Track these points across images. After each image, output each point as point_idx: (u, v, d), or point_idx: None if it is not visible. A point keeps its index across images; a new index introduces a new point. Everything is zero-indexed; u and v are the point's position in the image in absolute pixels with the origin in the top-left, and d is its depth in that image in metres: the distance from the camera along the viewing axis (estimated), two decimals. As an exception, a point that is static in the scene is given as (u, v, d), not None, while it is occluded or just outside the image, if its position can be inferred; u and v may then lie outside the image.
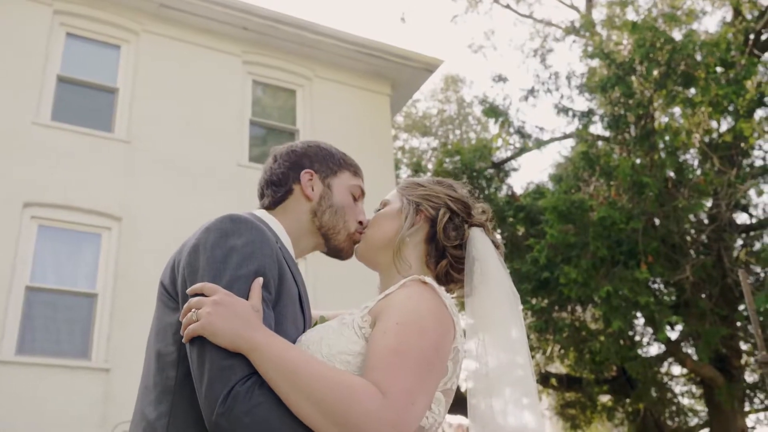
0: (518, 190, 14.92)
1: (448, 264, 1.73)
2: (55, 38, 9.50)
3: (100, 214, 8.81)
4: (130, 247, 8.69)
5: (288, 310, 1.56)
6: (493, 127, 14.47)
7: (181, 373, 1.45)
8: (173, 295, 1.53)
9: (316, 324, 1.69)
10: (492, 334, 1.69)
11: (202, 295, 1.42)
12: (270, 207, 1.79)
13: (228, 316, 1.38)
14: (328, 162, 1.83)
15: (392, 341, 1.44)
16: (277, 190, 1.79)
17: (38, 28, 9.32)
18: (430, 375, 1.46)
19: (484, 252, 1.73)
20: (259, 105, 10.88)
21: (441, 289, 1.58)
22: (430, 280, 1.57)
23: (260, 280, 1.48)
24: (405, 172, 16.85)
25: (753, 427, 15.55)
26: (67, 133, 8.99)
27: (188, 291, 1.45)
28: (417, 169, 16.08)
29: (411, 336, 1.45)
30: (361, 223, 1.83)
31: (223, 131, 9.99)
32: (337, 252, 1.81)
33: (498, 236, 1.86)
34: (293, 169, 1.80)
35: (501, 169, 14.68)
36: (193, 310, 1.40)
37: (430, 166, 16.78)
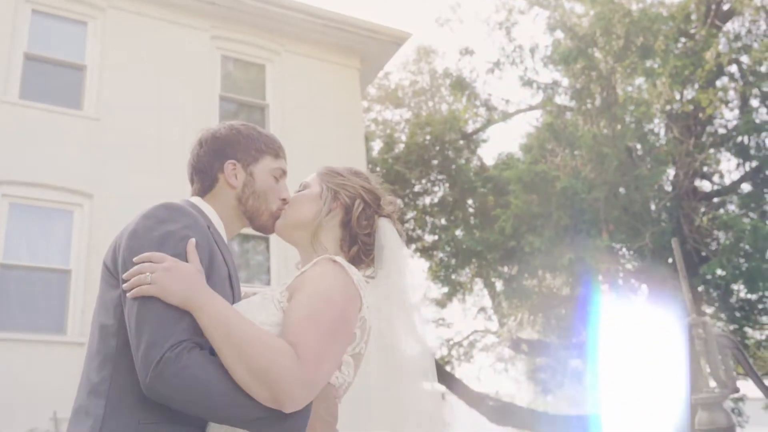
0: (491, 161, 15.18)
1: (359, 249, 1.96)
2: (21, 15, 9.50)
3: (71, 191, 8.93)
4: (102, 224, 8.82)
5: (217, 289, 1.77)
6: (464, 100, 14.66)
7: (121, 342, 1.66)
8: (114, 274, 1.74)
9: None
10: (395, 315, 1.92)
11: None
12: (200, 194, 2.00)
13: (178, 278, 1.61)
14: (249, 149, 2.01)
15: (305, 311, 1.67)
16: (204, 178, 1.99)
17: (3, 5, 9.32)
18: (338, 340, 1.69)
19: (391, 241, 1.97)
20: (228, 80, 10.96)
21: (351, 267, 1.81)
22: (340, 259, 1.80)
23: (193, 241, 1.72)
24: (378, 144, 17.02)
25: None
26: (35, 111, 9.05)
27: (136, 259, 1.65)
28: (389, 141, 16.27)
29: (321, 306, 1.68)
30: (284, 200, 2.02)
31: (193, 107, 10.08)
32: (262, 229, 2.02)
33: (401, 227, 2.08)
34: (217, 158, 1.98)
35: (471, 140, 14.90)
36: (147, 273, 1.62)
37: (403, 137, 16.96)
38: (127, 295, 1.63)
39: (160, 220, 1.73)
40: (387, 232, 1.98)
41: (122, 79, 9.72)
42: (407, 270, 1.98)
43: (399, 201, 2.08)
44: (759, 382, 4.08)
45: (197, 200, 1.97)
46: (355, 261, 1.96)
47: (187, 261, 1.68)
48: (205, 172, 1.99)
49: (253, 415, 1.57)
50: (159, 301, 1.60)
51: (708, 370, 3.92)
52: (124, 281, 1.65)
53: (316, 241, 1.94)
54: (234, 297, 1.86)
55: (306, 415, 1.62)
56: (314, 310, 1.67)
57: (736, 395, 15.19)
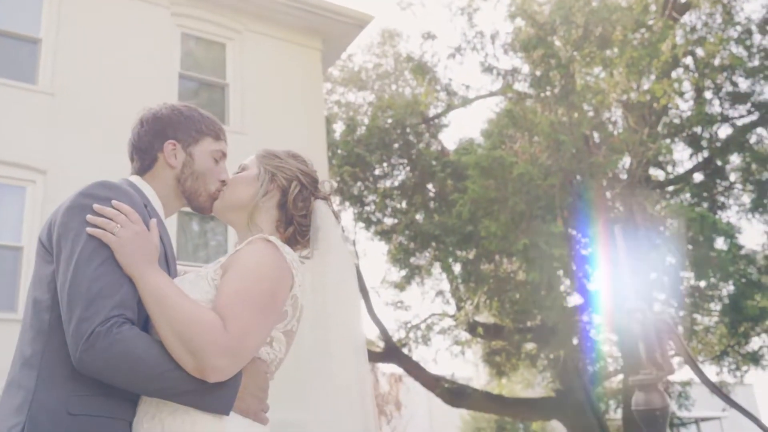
0: (452, 146, 15.28)
1: (294, 230, 2.02)
2: (-25, -14, 9.29)
3: (24, 167, 8.78)
4: (56, 200, 8.61)
5: None
6: (425, 84, 14.70)
7: (54, 316, 1.69)
8: (49, 250, 1.76)
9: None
10: (329, 292, 1.98)
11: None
12: (140, 172, 2.02)
13: (138, 246, 1.70)
14: (190, 130, 2.04)
15: (235, 285, 1.74)
16: (144, 157, 2.02)
17: (-45, -25, 9.10)
18: (266, 315, 1.75)
19: (326, 222, 2.03)
20: (188, 58, 10.84)
21: (284, 247, 1.86)
22: (273, 238, 1.85)
23: (155, 220, 1.82)
24: (340, 127, 16.99)
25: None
26: (-12, 84, 8.88)
27: (115, 204, 1.73)
28: (351, 123, 16.25)
29: (250, 282, 1.74)
30: (223, 182, 2.06)
31: (151, 84, 9.95)
32: (200, 210, 2.07)
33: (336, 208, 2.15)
34: (157, 138, 2.01)
35: (432, 124, 14.98)
36: (118, 225, 1.69)
37: (366, 120, 16.95)
38: (86, 230, 1.69)
39: (95, 197, 1.76)
40: (323, 213, 2.04)
41: (79, 54, 9.56)
42: (342, 250, 2.04)
43: (332, 183, 2.13)
44: (694, 366, 4.23)
45: (136, 179, 2.00)
46: (291, 242, 2.01)
47: None
48: (144, 151, 2.02)
49: (182, 387, 1.62)
50: (91, 275, 1.64)
51: (645, 353, 4.07)
52: (89, 224, 1.71)
53: (253, 222, 1.99)
54: (170, 274, 1.90)
55: (235, 388, 1.68)
56: (244, 285, 1.74)
57: (684, 380, 15.67)
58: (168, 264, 1.91)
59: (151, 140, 2.01)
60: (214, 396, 1.65)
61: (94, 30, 9.78)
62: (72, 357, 1.60)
